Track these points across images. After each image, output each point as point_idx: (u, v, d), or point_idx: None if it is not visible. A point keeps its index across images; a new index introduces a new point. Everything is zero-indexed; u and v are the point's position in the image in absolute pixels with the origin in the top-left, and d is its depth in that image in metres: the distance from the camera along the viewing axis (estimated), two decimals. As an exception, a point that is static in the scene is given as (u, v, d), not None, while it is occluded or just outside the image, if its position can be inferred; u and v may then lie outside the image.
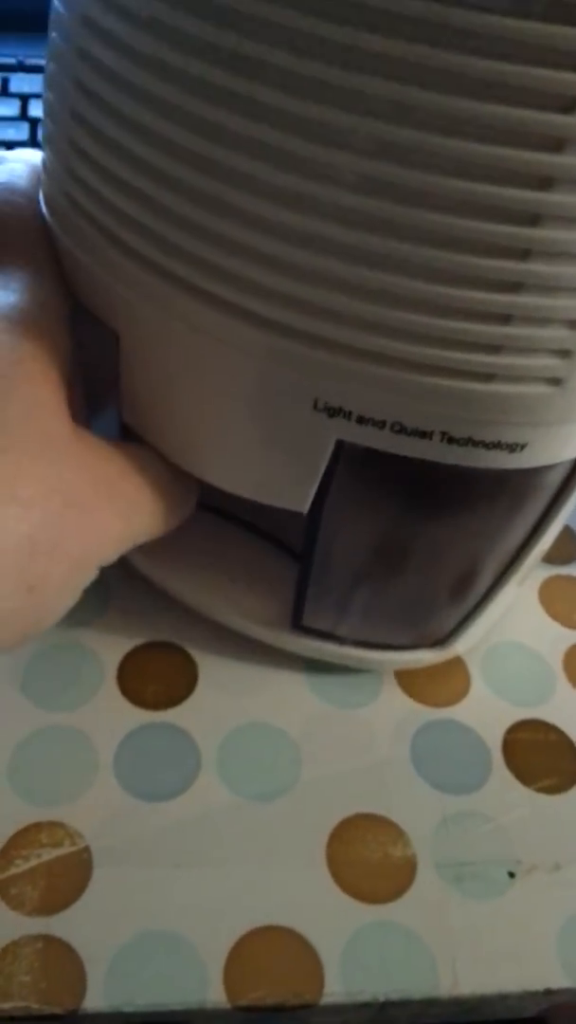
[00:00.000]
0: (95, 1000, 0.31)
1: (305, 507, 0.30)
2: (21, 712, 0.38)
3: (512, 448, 0.27)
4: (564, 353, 0.25)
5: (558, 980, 0.33)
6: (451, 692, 0.41)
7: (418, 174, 0.22)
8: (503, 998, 0.33)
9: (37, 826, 0.35)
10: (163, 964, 0.32)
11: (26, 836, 0.34)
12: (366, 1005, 0.32)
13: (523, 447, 0.27)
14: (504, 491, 0.31)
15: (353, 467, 0.29)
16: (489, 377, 0.25)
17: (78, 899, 0.33)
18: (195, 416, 0.30)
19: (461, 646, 0.40)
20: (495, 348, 0.25)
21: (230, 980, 0.32)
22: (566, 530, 0.47)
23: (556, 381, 0.26)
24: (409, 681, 0.41)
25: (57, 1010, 0.31)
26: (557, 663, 0.42)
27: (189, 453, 0.31)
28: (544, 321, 0.24)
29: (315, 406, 0.26)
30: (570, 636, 0.43)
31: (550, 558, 0.46)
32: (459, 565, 0.35)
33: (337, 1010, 0.32)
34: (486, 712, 0.40)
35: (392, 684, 0.41)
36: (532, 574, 0.45)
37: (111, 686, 0.39)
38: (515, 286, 0.23)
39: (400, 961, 0.33)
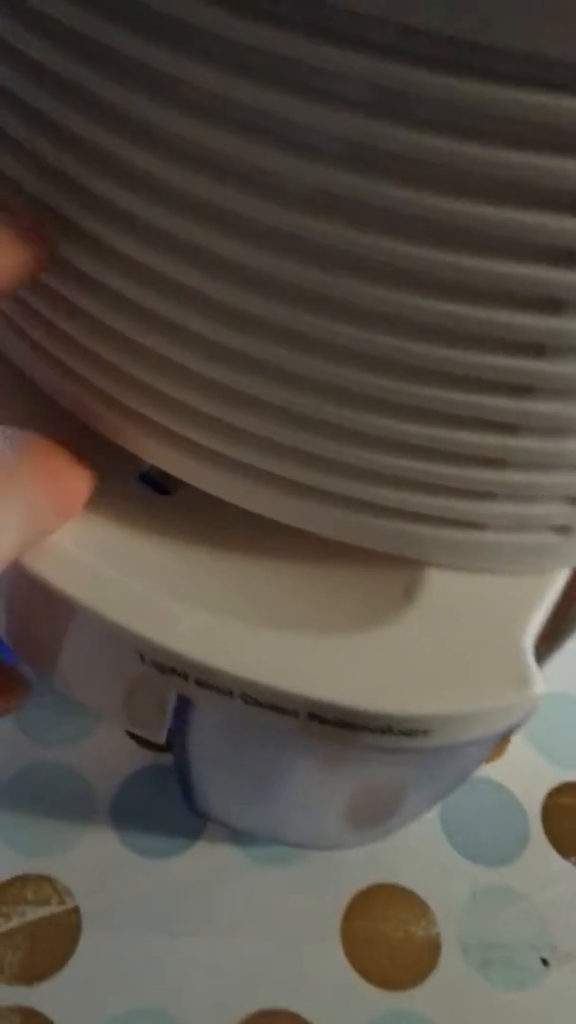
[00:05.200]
0: None
1: (161, 739, 0.25)
2: (12, 745, 0.34)
3: (410, 734, 0.20)
4: None
5: None
6: (487, 746, 0.37)
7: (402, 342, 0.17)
8: None
9: (23, 879, 0.31)
10: (153, 1049, 0.29)
11: (10, 890, 0.31)
12: None
13: (425, 733, 0.20)
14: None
15: (207, 715, 0.23)
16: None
17: (63, 967, 0.30)
18: (42, 635, 0.25)
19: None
20: None
21: (227, 1072, 0.29)
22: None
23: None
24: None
25: None
26: (606, 718, 0.38)
27: (51, 669, 0.26)
28: None
29: (142, 659, 0.21)
30: (622, 687, 0.39)
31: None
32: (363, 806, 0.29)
33: None
34: (526, 771, 0.36)
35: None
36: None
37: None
38: None
39: (418, 1060, 0.30)
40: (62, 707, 0.35)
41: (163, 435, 0.21)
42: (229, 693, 0.20)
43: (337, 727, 0.20)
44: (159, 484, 0.24)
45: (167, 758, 0.34)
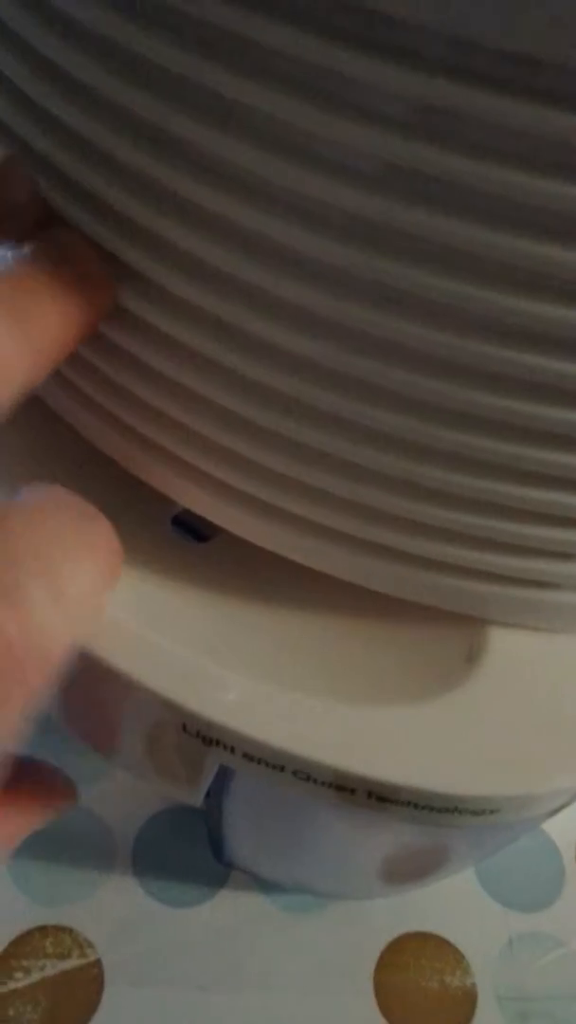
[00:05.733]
0: None
1: (197, 803, 0.23)
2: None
3: (478, 813, 0.19)
4: None
5: None
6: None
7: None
8: None
9: (42, 931, 0.30)
10: None
11: (28, 943, 0.30)
12: None
13: (493, 812, 0.19)
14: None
15: (249, 781, 0.21)
16: None
17: (85, 1025, 0.29)
18: (74, 699, 0.23)
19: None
20: None
21: None
22: None
23: None
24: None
25: None
26: None
27: (82, 733, 0.25)
28: None
29: (184, 729, 0.19)
30: None
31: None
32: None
33: None
34: (559, 810, 0.35)
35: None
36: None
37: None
38: None
39: None
40: (76, 744, 0.34)
41: (206, 481, 0.20)
42: (280, 768, 0.18)
43: (398, 805, 0.18)
44: (194, 529, 0.23)
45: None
